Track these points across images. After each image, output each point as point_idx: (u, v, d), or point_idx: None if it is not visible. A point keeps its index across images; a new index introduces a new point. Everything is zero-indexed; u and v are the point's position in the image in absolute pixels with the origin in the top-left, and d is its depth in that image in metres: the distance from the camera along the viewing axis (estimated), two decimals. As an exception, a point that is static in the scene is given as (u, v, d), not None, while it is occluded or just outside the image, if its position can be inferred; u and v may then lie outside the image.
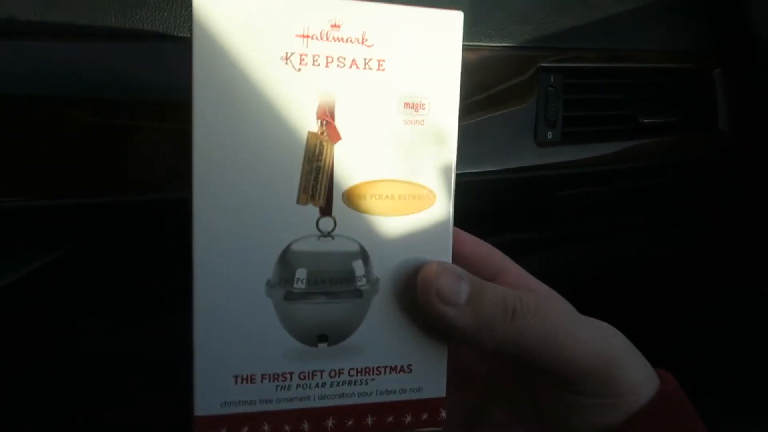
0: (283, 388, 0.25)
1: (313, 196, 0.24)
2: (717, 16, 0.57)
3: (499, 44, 0.45)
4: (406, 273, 0.25)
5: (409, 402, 0.26)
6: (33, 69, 0.32)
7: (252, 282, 0.24)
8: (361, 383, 0.26)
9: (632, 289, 0.75)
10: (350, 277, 0.25)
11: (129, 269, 0.39)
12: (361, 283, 0.25)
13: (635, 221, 0.62)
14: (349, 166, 0.24)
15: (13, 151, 0.33)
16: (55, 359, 0.43)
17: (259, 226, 0.24)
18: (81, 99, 0.33)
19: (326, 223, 0.24)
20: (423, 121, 0.25)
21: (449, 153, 0.25)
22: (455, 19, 0.25)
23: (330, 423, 0.25)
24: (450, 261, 0.26)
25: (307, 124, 0.23)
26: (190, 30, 0.22)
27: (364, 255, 0.25)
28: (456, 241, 0.29)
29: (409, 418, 0.26)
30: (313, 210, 0.24)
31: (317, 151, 0.24)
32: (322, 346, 0.25)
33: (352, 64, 0.24)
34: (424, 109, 0.25)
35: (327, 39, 0.23)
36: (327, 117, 0.24)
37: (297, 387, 0.25)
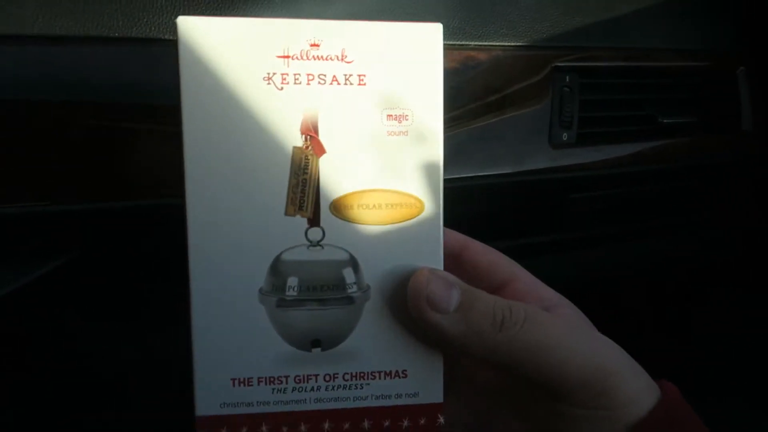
0: (279, 391, 0.26)
1: (300, 208, 0.25)
2: (740, 13, 0.55)
3: (512, 44, 0.44)
4: (397, 280, 0.26)
5: (406, 407, 0.27)
6: (39, 73, 0.32)
7: (245, 290, 0.25)
8: (356, 388, 0.26)
9: (647, 295, 0.74)
10: (341, 284, 0.26)
11: (130, 274, 0.39)
12: (352, 290, 0.26)
13: (652, 225, 0.61)
14: (335, 178, 0.25)
15: (16, 157, 0.32)
16: (58, 364, 0.43)
17: (250, 236, 0.25)
18: (84, 103, 0.33)
19: (315, 233, 0.25)
20: (407, 131, 0.26)
21: (435, 161, 0.26)
22: (434, 31, 0.26)
23: (327, 426, 0.26)
24: (441, 267, 0.27)
25: (293, 139, 0.25)
26: (176, 54, 0.24)
27: (353, 263, 0.26)
28: (465, 248, 0.29)
29: (406, 423, 0.27)
30: (301, 221, 0.25)
31: (303, 164, 0.25)
32: (316, 351, 0.26)
33: (332, 80, 0.25)
34: (407, 119, 0.26)
35: (307, 58, 0.25)
36: (311, 132, 0.25)
37: (293, 390, 0.26)
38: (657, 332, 0.73)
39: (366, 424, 0.27)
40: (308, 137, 0.25)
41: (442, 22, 0.43)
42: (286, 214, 0.25)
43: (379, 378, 0.27)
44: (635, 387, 0.25)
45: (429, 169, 0.26)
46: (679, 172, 0.55)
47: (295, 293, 0.26)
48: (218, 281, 0.25)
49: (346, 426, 0.26)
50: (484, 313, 0.25)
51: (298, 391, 0.26)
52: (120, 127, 0.35)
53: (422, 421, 0.27)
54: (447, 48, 0.42)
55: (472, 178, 0.43)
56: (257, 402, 0.26)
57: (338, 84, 0.25)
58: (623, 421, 0.25)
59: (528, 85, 0.44)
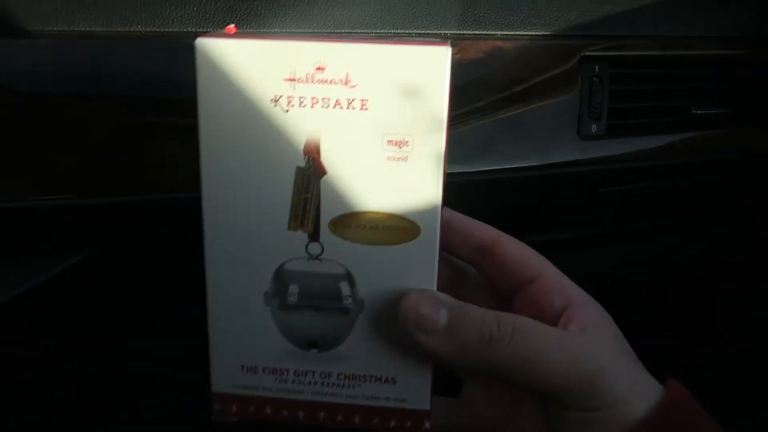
0: (280, 380, 0.29)
1: (302, 224, 0.27)
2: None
3: (539, 33, 0.43)
4: (390, 298, 0.28)
5: (394, 409, 0.29)
6: (59, 68, 0.32)
7: (254, 292, 0.28)
8: (348, 387, 0.29)
9: (677, 291, 0.72)
10: (337, 295, 0.28)
11: (146, 271, 0.39)
12: (347, 302, 0.28)
13: (684, 220, 0.59)
14: (334, 197, 0.27)
15: (35, 152, 0.33)
16: (80, 360, 0.43)
17: (258, 246, 0.28)
18: (105, 98, 0.33)
19: (314, 248, 0.28)
20: (406, 157, 0.26)
21: (434, 188, 0.27)
22: (441, 55, 0.25)
23: (322, 415, 0.29)
24: (434, 289, 0.28)
25: (296, 159, 0.27)
26: (195, 78, 0.26)
27: (349, 278, 0.28)
28: (497, 242, 0.30)
29: (393, 423, 0.29)
30: (303, 235, 0.27)
31: (305, 184, 0.27)
32: (313, 351, 0.29)
33: (335, 104, 0.26)
34: (408, 145, 0.26)
35: (312, 81, 0.26)
36: (313, 153, 0.27)
37: (292, 381, 0.29)
38: (687, 328, 0.71)
39: (357, 419, 0.29)
40: (310, 158, 0.27)
41: (468, 12, 0.42)
42: (289, 228, 0.27)
43: (370, 381, 0.29)
44: (626, 387, 0.26)
45: (427, 194, 0.27)
46: (712, 165, 0.54)
47: (295, 299, 0.28)
48: (231, 283, 0.28)
49: (339, 418, 0.29)
50: (473, 330, 0.26)
51: (298, 383, 0.29)
52: (140, 121, 0.35)
53: (408, 424, 0.29)
54: (472, 38, 0.41)
55: (498, 171, 0.42)
56: (262, 387, 0.29)
57: (341, 108, 0.26)
58: (617, 421, 0.26)
59: (556, 76, 0.44)
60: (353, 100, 0.26)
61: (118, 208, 0.35)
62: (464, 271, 0.32)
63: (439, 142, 0.26)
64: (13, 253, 0.35)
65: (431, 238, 0.27)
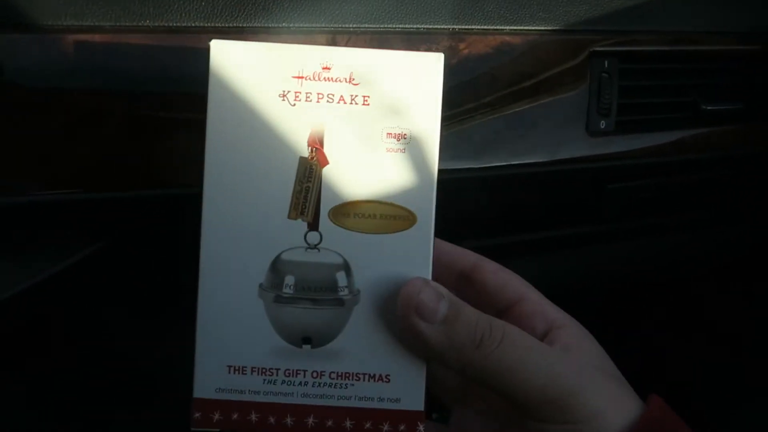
0: (269, 382, 0.29)
1: (302, 212, 0.28)
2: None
3: (548, 28, 0.43)
4: (387, 287, 0.28)
5: (387, 411, 0.29)
6: (69, 63, 0.32)
7: (248, 284, 0.28)
8: (341, 387, 0.29)
9: (686, 289, 0.72)
10: (333, 286, 0.29)
11: (150, 266, 0.39)
12: (344, 293, 0.29)
13: (694, 217, 0.59)
14: (335, 187, 0.28)
15: (45, 146, 0.33)
16: (80, 356, 0.44)
17: (255, 235, 0.28)
18: (114, 93, 0.33)
19: (313, 237, 0.28)
20: (404, 149, 0.29)
21: (430, 178, 0.29)
22: (436, 61, 0.29)
23: (311, 421, 0.29)
24: (430, 278, 0.29)
25: (300, 150, 0.28)
26: (207, 71, 0.28)
27: (346, 267, 0.29)
28: (477, 268, 0.31)
29: (386, 427, 0.29)
30: (302, 224, 0.28)
31: (307, 173, 0.28)
32: (306, 347, 0.29)
33: (340, 99, 0.28)
34: (405, 138, 0.29)
35: (319, 79, 0.28)
36: (316, 144, 0.28)
37: (282, 383, 0.29)
38: (693, 328, 0.71)
39: (348, 423, 0.29)
40: (314, 149, 0.28)
41: (476, 6, 0.42)
42: (289, 217, 0.28)
43: (363, 380, 0.29)
44: (604, 402, 0.27)
45: (423, 185, 0.29)
46: (723, 161, 0.53)
47: (291, 291, 0.29)
48: (225, 274, 0.28)
49: (329, 423, 0.29)
50: (467, 329, 0.27)
51: (287, 384, 0.29)
52: (150, 116, 0.35)
53: (402, 427, 0.29)
54: (480, 33, 0.41)
55: (506, 167, 0.42)
56: (249, 390, 0.29)
57: (345, 103, 0.28)
58: None
59: (564, 71, 0.44)
60: (356, 96, 0.28)
61: (122, 204, 0.36)
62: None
63: (433, 135, 0.29)
64: (15, 250, 0.36)
65: (426, 227, 0.29)
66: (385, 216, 0.28)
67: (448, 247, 0.32)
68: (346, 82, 0.28)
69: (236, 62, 0.28)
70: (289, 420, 0.29)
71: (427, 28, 0.40)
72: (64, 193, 0.34)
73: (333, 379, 0.29)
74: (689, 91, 0.50)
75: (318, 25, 0.37)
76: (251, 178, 0.28)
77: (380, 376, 0.29)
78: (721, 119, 0.51)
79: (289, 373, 0.29)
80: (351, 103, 0.28)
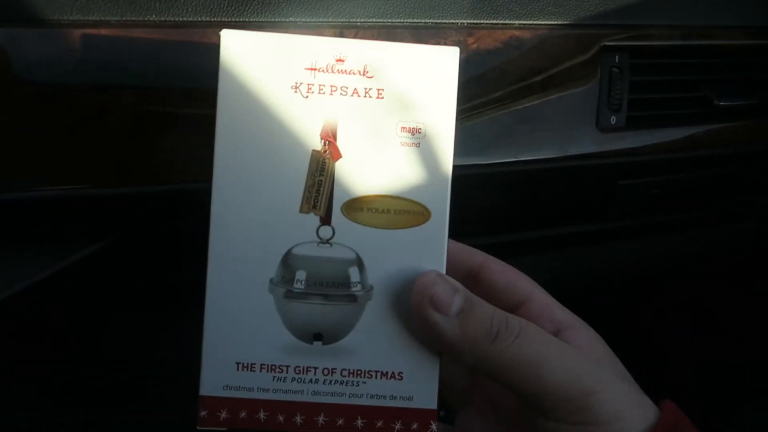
0: (279, 379, 0.28)
1: (314, 206, 0.28)
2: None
3: (558, 22, 0.42)
4: (400, 283, 0.28)
5: (399, 409, 0.29)
6: (76, 58, 0.32)
7: (258, 279, 0.28)
8: (352, 384, 0.28)
9: (698, 287, 0.71)
10: (346, 282, 0.28)
11: (157, 262, 0.39)
12: (356, 288, 0.28)
13: (706, 214, 0.58)
14: (348, 181, 0.28)
15: (53, 141, 0.33)
16: (82, 354, 0.44)
17: (266, 229, 0.28)
18: (120, 87, 0.33)
19: (325, 232, 0.28)
20: (419, 143, 0.28)
21: (444, 173, 0.28)
22: (451, 54, 0.28)
23: (321, 419, 0.28)
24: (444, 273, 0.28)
25: (313, 143, 0.28)
26: (218, 62, 0.27)
27: (359, 263, 0.28)
28: (484, 267, 0.31)
29: (398, 426, 0.29)
30: (314, 219, 0.28)
31: (320, 166, 0.28)
32: (317, 344, 0.28)
33: (353, 92, 0.28)
34: (420, 132, 0.28)
35: (332, 71, 0.28)
36: (330, 138, 0.28)
37: (292, 380, 0.28)
38: (704, 326, 0.71)
39: (359, 422, 0.28)
40: (327, 142, 0.28)
41: (485, 0, 0.41)
42: (301, 211, 0.28)
43: (376, 377, 0.28)
44: (622, 405, 0.26)
45: (437, 179, 0.28)
46: (736, 158, 0.53)
47: (302, 286, 0.28)
48: (234, 268, 0.28)
49: (340, 422, 0.28)
50: (482, 323, 0.26)
51: (297, 381, 0.28)
52: (156, 111, 0.35)
53: (414, 426, 0.29)
54: (489, 27, 0.41)
55: (516, 163, 0.42)
56: (257, 388, 0.28)
57: (358, 96, 0.28)
58: None
59: (575, 66, 0.43)
60: (370, 89, 0.28)
61: (128, 200, 0.36)
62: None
63: (449, 129, 0.28)
64: (17, 246, 0.35)
65: (441, 223, 0.28)
66: (398, 211, 0.28)
67: (455, 245, 0.31)
68: (359, 74, 0.28)
69: (247, 53, 0.27)
70: (298, 419, 0.28)
71: (435, 23, 0.39)
72: (70, 188, 0.34)
73: (344, 376, 0.28)
74: (701, 86, 0.49)
75: (325, 20, 0.37)
76: (262, 172, 0.28)
77: (393, 373, 0.28)
78: (734, 115, 0.50)
79: (300, 371, 0.28)
80: (365, 96, 0.28)
